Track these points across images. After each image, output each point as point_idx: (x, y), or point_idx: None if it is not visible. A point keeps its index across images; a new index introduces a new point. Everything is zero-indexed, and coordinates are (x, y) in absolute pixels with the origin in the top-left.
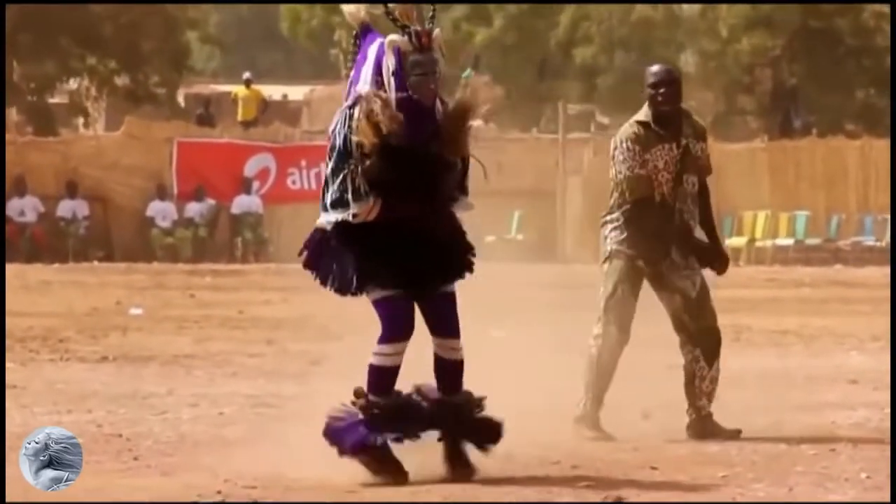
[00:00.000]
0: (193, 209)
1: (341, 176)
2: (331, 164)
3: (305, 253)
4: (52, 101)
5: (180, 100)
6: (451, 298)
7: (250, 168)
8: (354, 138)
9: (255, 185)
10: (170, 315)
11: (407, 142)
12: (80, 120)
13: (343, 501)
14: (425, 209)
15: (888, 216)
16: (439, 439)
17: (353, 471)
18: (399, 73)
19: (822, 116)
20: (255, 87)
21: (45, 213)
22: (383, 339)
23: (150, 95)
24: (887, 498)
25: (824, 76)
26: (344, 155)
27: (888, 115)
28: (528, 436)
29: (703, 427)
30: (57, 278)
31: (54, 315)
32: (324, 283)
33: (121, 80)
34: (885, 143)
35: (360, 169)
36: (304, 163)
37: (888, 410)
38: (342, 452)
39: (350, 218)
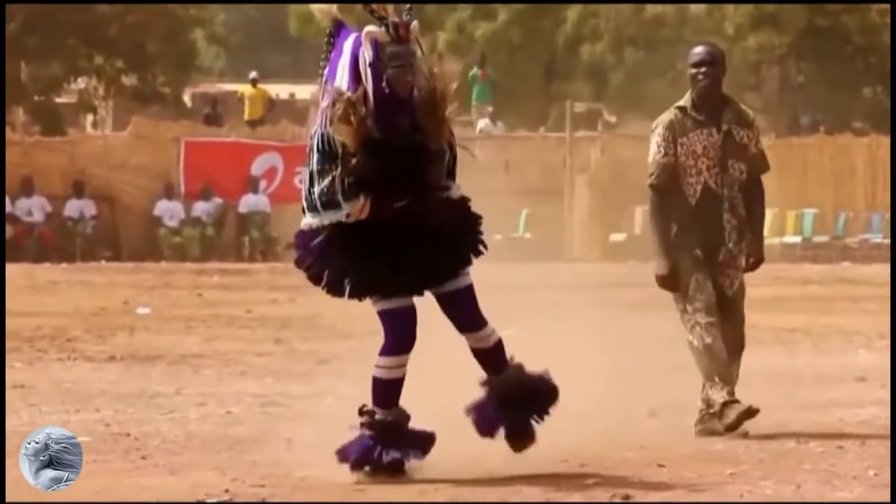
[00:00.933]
0: (201, 208)
1: (329, 177)
2: (315, 165)
3: (298, 252)
4: (59, 100)
5: (187, 99)
6: (467, 292)
7: (257, 167)
8: (338, 138)
9: (263, 184)
10: (177, 314)
11: (388, 135)
12: (88, 120)
13: (351, 500)
14: (416, 202)
15: None
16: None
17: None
18: (376, 65)
19: (830, 114)
20: (261, 86)
21: (52, 213)
22: (385, 352)
23: (157, 95)
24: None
25: (831, 74)
26: (328, 155)
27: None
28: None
29: (714, 424)
30: (64, 278)
31: (62, 315)
32: (316, 283)
33: (128, 80)
34: (892, 141)
35: (346, 168)
36: None
37: None
38: (350, 467)
39: (344, 218)
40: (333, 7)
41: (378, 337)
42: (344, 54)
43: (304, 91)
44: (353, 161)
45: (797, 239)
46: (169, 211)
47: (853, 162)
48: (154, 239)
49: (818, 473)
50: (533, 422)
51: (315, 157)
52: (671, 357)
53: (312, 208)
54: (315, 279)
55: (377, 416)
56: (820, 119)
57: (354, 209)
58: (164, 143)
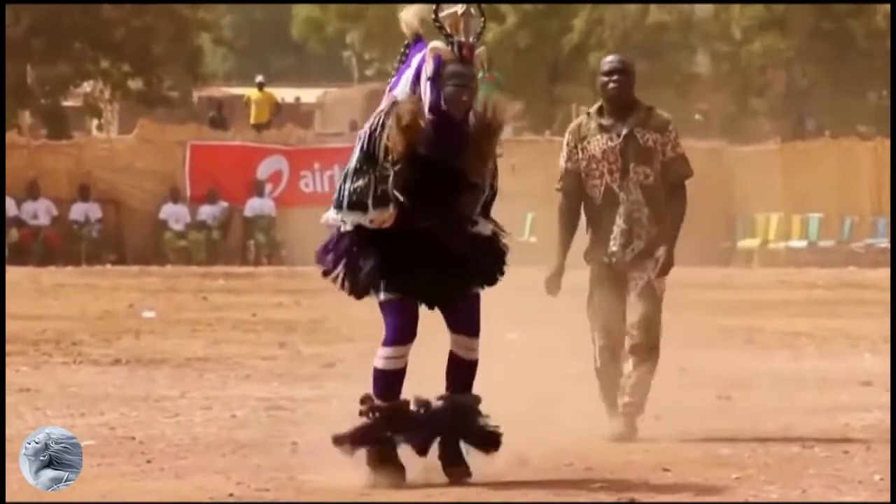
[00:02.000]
0: (206, 212)
1: (365, 178)
2: (353, 163)
3: (321, 251)
4: (65, 104)
5: (192, 102)
6: (475, 298)
7: (263, 171)
8: (387, 143)
9: (268, 187)
10: (182, 318)
11: (434, 153)
12: (94, 123)
13: (355, 503)
14: (441, 226)
15: None
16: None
17: (365, 474)
18: (435, 81)
19: (835, 118)
20: (267, 89)
21: (57, 217)
22: (386, 342)
23: (163, 99)
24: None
25: (837, 78)
26: (369, 157)
27: None
28: (541, 438)
29: (616, 423)
30: (70, 281)
31: (67, 318)
32: (334, 280)
33: (134, 84)
34: None
35: (385, 176)
36: (316, 165)
37: None
38: (347, 445)
39: (367, 223)
40: (416, 22)
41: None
42: (410, 67)
43: (309, 95)
44: (393, 169)
45: (803, 243)
46: (174, 214)
47: (858, 166)
48: (159, 242)
49: (823, 478)
50: (464, 452)
51: (357, 154)
52: (677, 360)
53: (338, 205)
54: (333, 279)
55: (375, 403)
56: (825, 123)
57: (379, 217)
58: (169, 147)
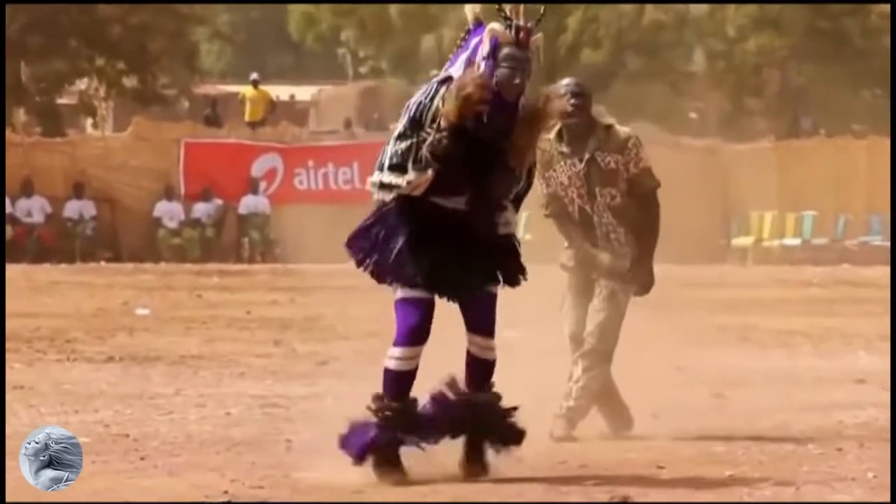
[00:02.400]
0: (200, 209)
1: (407, 143)
2: (399, 129)
3: (353, 237)
4: (60, 101)
5: (187, 100)
6: (492, 298)
7: (257, 168)
8: (442, 108)
9: (263, 185)
10: (177, 315)
11: (480, 131)
12: (89, 121)
13: (350, 502)
14: (474, 205)
15: None
16: (453, 436)
17: (360, 471)
18: (490, 61)
19: (830, 117)
20: (262, 87)
21: (52, 214)
22: (398, 343)
23: (158, 96)
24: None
25: (832, 77)
26: (415, 123)
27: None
28: (536, 436)
29: (556, 424)
30: (64, 279)
31: (61, 315)
32: (360, 264)
33: (129, 81)
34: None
35: (428, 141)
36: (311, 163)
37: None
38: (353, 459)
39: (403, 184)
40: (478, 7)
41: (377, 339)
42: (469, 48)
43: (304, 92)
44: (439, 137)
45: (797, 241)
46: (169, 212)
47: (853, 164)
48: (154, 240)
49: (817, 475)
50: (487, 451)
51: (403, 120)
52: (673, 358)
53: (380, 166)
54: (360, 261)
55: (385, 403)
56: (820, 121)
57: (417, 179)
58: (164, 145)
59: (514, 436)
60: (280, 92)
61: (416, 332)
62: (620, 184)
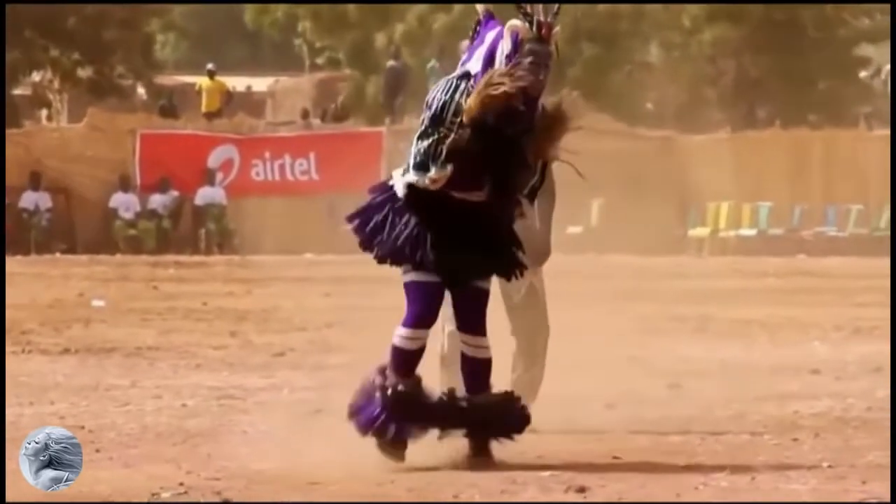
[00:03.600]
0: (157, 201)
1: (429, 140)
2: (421, 127)
3: (354, 214)
4: (15, 92)
5: (142, 91)
6: (484, 295)
7: (214, 159)
8: (464, 103)
9: (219, 176)
10: (133, 307)
11: (504, 126)
12: (44, 112)
13: (306, 492)
14: (490, 199)
15: (851, 206)
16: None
17: (315, 463)
18: (512, 58)
19: (786, 108)
20: (218, 78)
21: (7, 205)
22: (405, 323)
23: (114, 87)
24: (850, 486)
25: (787, 68)
26: (437, 120)
27: (851, 106)
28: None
29: None
30: (19, 270)
31: (17, 307)
32: (366, 247)
33: (84, 72)
34: (847, 134)
35: (449, 136)
36: (267, 154)
37: (851, 400)
38: (358, 429)
39: (426, 181)
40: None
41: (333, 330)
42: (484, 43)
43: (260, 83)
44: (460, 132)
45: (753, 231)
46: (125, 203)
47: (808, 155)
48: (110, 231)
49: (773, 465)
50: (492, 442)
51: (425, 117)
52: (629, 348)
53: (407, 168)
54: (366, 244)
55: (390, 381)
56: (776, 112)
57: (440, 176)
58: (119, 136)
59: (517, 425)
60: (236, 83)
61: (422, 317)
62: None
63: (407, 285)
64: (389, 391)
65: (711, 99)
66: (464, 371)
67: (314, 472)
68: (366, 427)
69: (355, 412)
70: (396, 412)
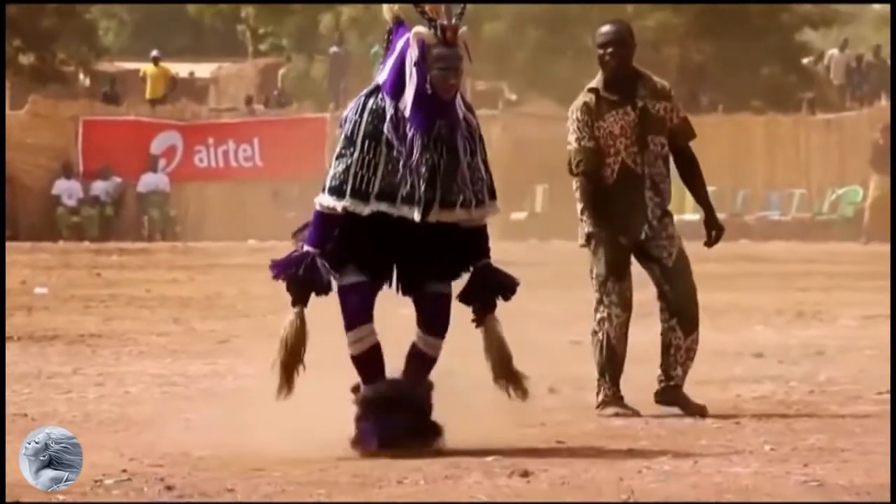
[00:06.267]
0: (99, 187)
1: (345, 163)
2: (337, 148)
3: (305, 231)
4: None
5: (84, 77)
6: (447, 300)
7: (157, 146)
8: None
9: (162, 163)
10: (76, 294)
11: (425, 136)
12: None
13: (249, 479)
14: (429, 207)
15: (794, 191)
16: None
17: (258, 449)
18: (421, 65)
19: (728, 94)
20: (163, 64)
21: None
22: (347, 328)
23: (56, 74)
24: (791, 469)
25: (730, 54)
26: (350, 142)
27: (793, 92)
28: (438, 410)
29: (674, 396)
30: None
31: None
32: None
33: (26, 59)
34: (789, 120)
35: (366, 164)
36: (210, 140)
37: (793, 384)
38: (363, 449)
39: (339, 210)
40: (395, 6)
41: (277, 317)
42: (395, 52)
43: (203, 70)
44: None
45: (696, 217)
46: (67, 190)
47: (752, 140)
48: (52, 218)
49: (715, 448)
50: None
51: (340, 138)
52: (569, 333)
53: (322, 188)
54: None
55: (362, 393)
56: (719, 98)
57: (353, 208)
58: (62, 122)
59: (432, 433)
60: (180, 69)
61: (353, 315)
62: (666, 132)
63: (341, 289)
64: (365, 400)
65: None
66: (410, 359)
67: (258, 459)
68: (368, 445)
69: (359, 440)
70: (379, 417)
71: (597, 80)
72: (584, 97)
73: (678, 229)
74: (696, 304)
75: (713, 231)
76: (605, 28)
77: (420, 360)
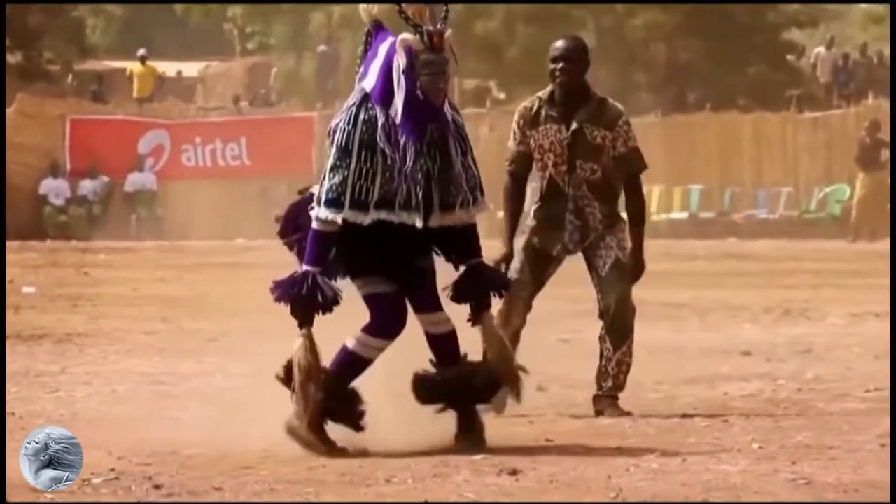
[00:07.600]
0: (87, 186)
1: (341, 175)
2: (331, 159)
3: (287, 225)
4: None
5: (72, 76)
6: (430, 273)
7: (144, 145)
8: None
9: (149, 161)
10: (63, 293)
11: (417, 142)
12: None
13: (238, 477)
14: (426, 211)
15: (781, 189)
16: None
17: (247, 448)
18: (409, 72)
19: (716, 92)
20: (150, 63)
21: None
22: (373, 332)
23: (43, 72)
24: (779, 467)
25: (718, 52)
26: (344, 152)
27: (780, 90)
28: (426, 410)
29: (602, 406)
30: None
31: None
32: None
33: (13, 58)
34: (777, 118)
35: (364, 175)
36: (198, 139)
37: (781, 381)
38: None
39: (339, 221)
40: (374, 8)
41: (265, 316)
42: (378, 57)
43: (191, 68)
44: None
45: (684, 215)
46: (55, 189)
47: (739, 139)
48: (40, 217)
49: (703, 446)
50: (479, 412)
51: (332, 149)
52: (557, 332)
53: (318, 201)
54: (299, 252)
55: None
56: (706, 96)
57: (356, 219)
58: (49, 121)
59: (494, 389)
60: (167, 68)
61: (390, 325)
62: (604, 160)
63: (366, 298)
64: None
65: (642, 83)
66: (433, 349)
67: (246, 458)
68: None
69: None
70: (335, 399)
71: (546, 91)
72: (528, 102)
73: (666, 227)
74: (626, 316)
75: (634, 268)
76: (559, 43)
77: (442, 344)
